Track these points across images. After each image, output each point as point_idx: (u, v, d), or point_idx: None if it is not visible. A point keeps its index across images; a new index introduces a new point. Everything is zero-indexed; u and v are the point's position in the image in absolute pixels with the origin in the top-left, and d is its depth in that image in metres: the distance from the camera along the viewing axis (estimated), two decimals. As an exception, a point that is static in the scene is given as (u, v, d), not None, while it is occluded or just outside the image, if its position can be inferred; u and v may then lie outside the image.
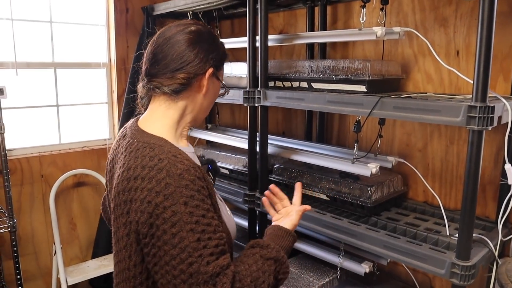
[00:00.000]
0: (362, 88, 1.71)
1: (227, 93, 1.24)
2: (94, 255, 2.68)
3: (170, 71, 1.05)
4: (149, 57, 1.08)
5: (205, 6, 2.37)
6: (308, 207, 1.34)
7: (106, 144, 2.74)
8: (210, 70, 1.09)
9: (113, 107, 2.80)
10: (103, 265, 2.49)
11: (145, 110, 1.15)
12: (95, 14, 2.71)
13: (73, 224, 2.65)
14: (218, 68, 1.13)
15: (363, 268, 1.86)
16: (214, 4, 2.31)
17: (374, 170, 1.75)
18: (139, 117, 1.16)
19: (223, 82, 1.18)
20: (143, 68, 1.10)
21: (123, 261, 1.01)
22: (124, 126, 1.19)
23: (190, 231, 0.90)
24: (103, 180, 2.58)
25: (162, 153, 0.97)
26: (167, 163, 0.95)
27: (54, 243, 2.37)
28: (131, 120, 1.18)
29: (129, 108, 2.68)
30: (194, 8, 2.46)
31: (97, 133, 2.78)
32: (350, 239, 1.72)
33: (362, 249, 1.69)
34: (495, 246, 1.57)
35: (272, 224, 1.28)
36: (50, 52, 2.56)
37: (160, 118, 1.09)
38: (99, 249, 2.67)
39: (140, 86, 1.11)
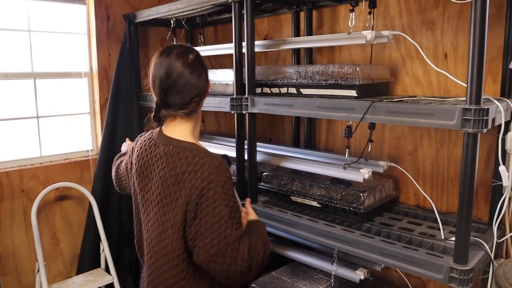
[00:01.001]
0: (353, 92, 1.69)
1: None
2: (79, 271, 2.59)
3: (188, 99, 1.33)
4: (165, 88, 1.32)
5: (189, 12, 2.33)
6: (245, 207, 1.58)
7: (89, 156, 2.66)
8: (208, 86, 1.40)
9: (96, 117, 2.73)
10: (89, 281, 2.40)
11: (157, 125, 1.42)
12: (76, 22, 2.64)
13: (56, 239, 2.55)
14: (205, 92, 1.41)
15: (358, 275, 1.83)
16: (198, 10, 2.26)
17: (366, 176, 1.73)
18: (161, 128, 1.42)
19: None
20: (159, 97, 1.33)
21: (166, 238, 1.29)
22: (147, 136, 1.45)
23: (225, 206, 1.26)
24: (86, 192, 2.50)
25: (199, 153, 1.30)
26: (207, 159, 1.28)
27: (37, 260, 2.27)
28: (155, 131, 1.44)
29: (112, 118, 2.61)
30: (178, 14, 2.41)
31: (80, 144, 2.70)
32: (345, 246, 1.69)
33: (357, 256, 1.66)
34: (490, 248, 1.56)
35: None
36: (29, 62, 2.47)
37: (183, 129, 1.39)
38: (84, 264, 2.58)
39: (163, 112, 1.35)
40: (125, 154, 1.66)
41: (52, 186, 2.42)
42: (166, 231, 1.29)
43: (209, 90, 1.43)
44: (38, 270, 2.26)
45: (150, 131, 1.47)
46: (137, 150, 1.44)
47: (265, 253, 1.35)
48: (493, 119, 1.37)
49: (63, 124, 2.65)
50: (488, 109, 1.29)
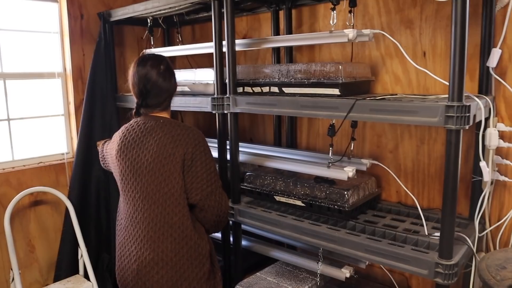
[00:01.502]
0: (336, 91, 1.70)
1: None
2: (57, 278, 2.50)
3: (163, 99, 1.71)
4: (143, 92, 1.67)
5: (166, 11, 2.29)
6: None
7: (64, 159, 2.57)
8: (176, 85, 1.76)
9: (70, 119, 2.64)
10: (67, 288, 2.33)
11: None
12: (48, 21, 2.55)
13: (31, 246, 2.46)
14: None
15: (344, 273, 1.84)
16: (176, 9, 2.23)
17: (351, 174, 1.74)
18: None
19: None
20: (139, 99, 1.69)
21: (169, 184, 1.58)
22: (131, 122, 1.73)
23: (211, 161, 1.65)
24: (62, 197, 2.41)
25: (185, 125, 1.66)
26: (193, 129, 1.66)
27: (12, 269, 2.18)
28: (139, 118, 1.72)
29: (88, 120, 2.54)
30: (155, 13, 2.36)
31: (54, 147, 2.61)
32: (331, 245, 1.69)
33: (343, 254, 1.67)
34: (472, 242, 1.59)
35: None
36: (-1, 63, 2.37)
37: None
38: (62, 271, 2.50)
39: (143, 110, 1.71)
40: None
41: (26, 191, 2.33)
42: (168, 178, 1.58)
43: (177, 87, 1.78)
44: (13, 279, 2.18)
45: (132, 120, 1.74)
46: (122, 133, 1.70)
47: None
48: (474, 116, 1.40)
49: (36, 127, 2.56)
50: (469, 106, 1.31)
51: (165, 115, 1.73)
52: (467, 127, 1.32)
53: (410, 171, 2.00)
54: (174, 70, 1.75)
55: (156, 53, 1.80)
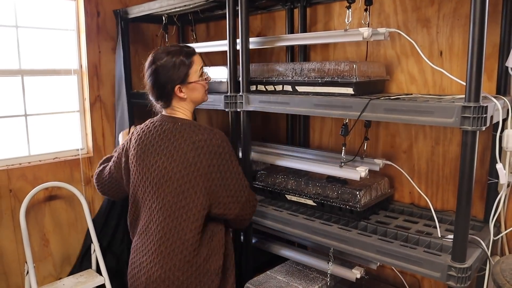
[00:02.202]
0: (349, 90, 1.68)
1: (208, 79, 1.67)
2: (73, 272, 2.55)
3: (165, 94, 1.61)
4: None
5: (181, 9, 2.29)
6: None
7: (79, 155, 2.60)
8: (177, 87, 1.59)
9: (86, 115, 2.67)
10: (80, 282, 2.35)
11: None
12: (65, 19, 2.58)
13: (45, 240, 2.50)
14: (184, 80, 1.58)
15: (354, 274, 1.82)
16: (191, 7, 2.23)
17: (363, 174, 1.72)
18: (162, 114, 1.67)
19: (199, 79, 1.61)
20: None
21: (192, 201, 1.50)
22: (146, 122, 1.67)
23: (237, 162, 1.59)
24: (76, 192, 2.45)
25: (205, 127, 1.56)
26: (214, 132, 1.55)
27: (26, 262, 2.21)
28: (156, 117, 1.66)
29: (120, 118, 2.59)
30: (170, 11, 2.37)
31: (69, 143, 2.64)
32: (341, 245, 1.68)
33: (354, 254, 1.65)
34: (487, 245, 1.56)
35: None
36: (17, 59, 2.41)
37: (183, 111, 1.65)
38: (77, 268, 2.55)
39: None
40: (109, 160, 1.83)
41: (41, 186, 2.36)
42: (188, 191, 1.50)
43: (195, 82, 1.65)
44: (27, 272, 2.21)
45: (148, 120, 1.68)
46: (137, 135, 1.65)
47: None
48: (491, 117, 1.37)
49: (52, 123, 2.59)
50: (487, 106, 1.29)
51: (181, 113, 1.63)
52: (483, 128, 1.29)
53: (424, 172, 1.97)
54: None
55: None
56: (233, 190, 1.55)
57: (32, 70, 2.47)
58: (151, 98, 1.65)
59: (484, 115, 1.28)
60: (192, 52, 1.60)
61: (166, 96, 1.59)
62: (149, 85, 1.61)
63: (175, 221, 1.51)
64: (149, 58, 1.61)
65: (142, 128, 1.66)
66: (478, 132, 1.30)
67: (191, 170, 1.50)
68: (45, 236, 2.49)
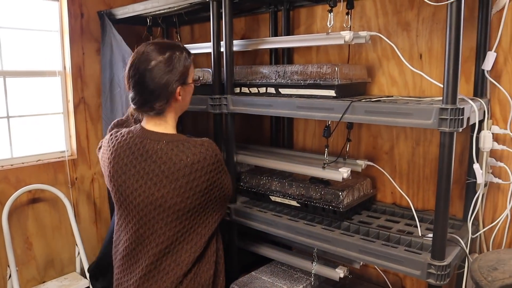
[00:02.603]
0: (331, 92, 1.71)
1: (199, 82, 1.56)
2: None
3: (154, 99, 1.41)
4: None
5: (165, 11, 2.30)
6: None
7: (63, 157, 2.59)
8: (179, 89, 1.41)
9: (69, 117, 2.66)
10: (64, 286, 2.34)
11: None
12: (48, 20, 2.56)
13: (28, 244, 2.48)
14: (185, 81, 1.42)
15: (338, 273, 1.85)
16: (176, 9, 2.24)
17: (345, 175, 1.75)
18: (141, 125, 1.46)
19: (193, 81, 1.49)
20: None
21: (189, 228, 1.39)
22: (125, 133, 1.45)
23: (228, 176, 1.50)
24: (60, 194, 2.43)
25: (195, 143, 1.38)
26: (207, 145, 1.38)
27: (9, 266, 2.20)
28: (135, 128, 1.45)
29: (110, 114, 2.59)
30: (154, 13, 2.37)
31: (53, 145, 2.63)
32: (325, 245, 1.71)
33: (337, 254, 1.68)
34: (465, 243, 1.60)
35: None
36: (-2, 60, 2.39)
37: (165, 123, 1.45)
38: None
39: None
40: (123, 122, 1.69)
41: (24, 189, 2.35)
42: (184, 217, 1.37)
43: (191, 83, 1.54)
44: (10, 276, 2.19)
45: (126, 129, 1.49)
46: (112, 146, 1.44)
47: None
48: (468, 118, 1.41)
49: (35, 125, 2.57)
50: (463, 108, 1.32)
51: (166, 125, 1.44)
52: (460, 129, 1.33)
53: (405, 173, 2.01)
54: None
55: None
56: (227, 196, 1.50)
57: (14, 72, 2.45)
58: (135, 103, 1.41)
59: (461, 117, 1.32)
60: (190, 52, 1.46)
61: (163, 100, 1.37)
62: (139, 87, 1.37)
63: (170, 246, 1.38)
64: (141, 52, 1.38)
65: (118, 139, 1.45)
66: (455, 133, 1.34)
67: (186, 197, 1.34)
68: (29, 239, 2.47)
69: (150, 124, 1.44)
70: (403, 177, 2.02)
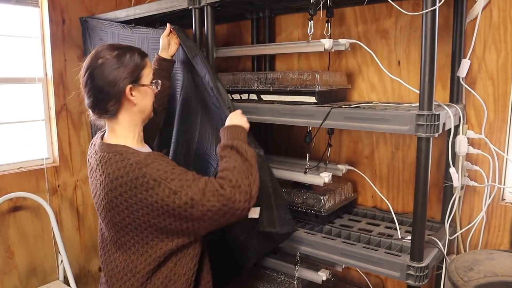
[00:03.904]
0: (312, 99, 1.74)
1: (158, 86, 1.43)
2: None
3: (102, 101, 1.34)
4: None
5: (147, 17, 2.30)
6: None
7: (44, 164, 2.57)
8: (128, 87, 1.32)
9: (51, 124, 2.64)
10: (47, 294, 2.33)
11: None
12: (29, 26, 2.55)
13: (10, 252, 2.44)
14: (136, 80, 1.34)
15: (321, 276, 1.88)
16: (157, 16, 2.25)
17: (327, 179, 1.78)
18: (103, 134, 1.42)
19: (151, 84, 1.40)
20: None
21: (125, 228, 1.30)
22: (93, 141, 1.44)
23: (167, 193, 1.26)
24: (43, 202, 2.41)
25: (122, 157, 1.27)
26: (132, 160, 1.26)
27: (-10, 275, 2.17)
28: (98, 136, 1.42)
29: None
30: (136, 20, 2.38)
31: (34, 152, 2.60)
32: (308, 248, 1.74)
33: (319, 257, 1.71)
34: (443, 245, 1.65)
35: None
36: (-22, 67, 2.36)
37: (115, 131, 1.39)
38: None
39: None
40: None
41: (5, 197, 2.32)
42: (120, 222, 1.30)
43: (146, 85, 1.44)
44: (-9, 285, 2.17)
45: (94, 137, 1.47)
46: (87, 158, 1.46)
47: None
48: (444, 124, 1.46)
49: (16, 132, 2.55)
50: (439, 114, 1.37)
51: (121, 134, 1.36)
52: (436, 135, 1.38)
53: (385, 177, 2.06)
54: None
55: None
56: (167, 221, 1.28)
57: (-6, 79, 2.43)
58: (88, 105, 1.35)
59: (437, 123, 1.37)
60: (145, 53, 1.40)
61: (114, 99, 1.31)
62: (89, 86, 1.31)
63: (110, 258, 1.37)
64: (93, 53, 1.34)
65: (92, 142, 1.44)
66: (431, 138, 1.38)
67: (115, 213, 1.29)
68: (10, 248, 2.44)
69: (107, 131, 1.40)
70: (383, 181, 2.07)
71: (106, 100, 1.31)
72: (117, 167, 1.25)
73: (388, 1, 1.58)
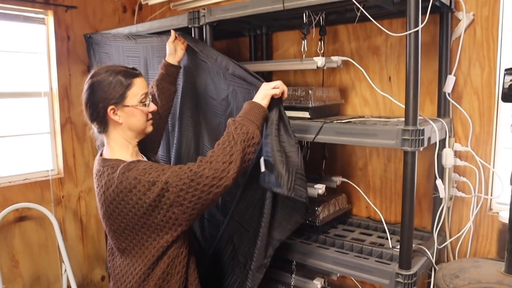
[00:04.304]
0: (306, 114, 1.83)
1: (147, 105, 1.48)
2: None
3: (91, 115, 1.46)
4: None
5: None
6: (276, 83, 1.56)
7: (49, 176, 2.65)
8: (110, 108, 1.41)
9: (56, 137, 2.73)
10: (50, 302, 2.39)
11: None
12: (35, 42, 2.65)
13: (15, 262, 2.52)
14: (118, 101, 1.41)
15: (315, 285, 1.94)
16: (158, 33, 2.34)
17: (320, 191, 1.85)
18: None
19: (138, 104, 1.44)
20: None
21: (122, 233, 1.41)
22: (96, 159, 1.52)
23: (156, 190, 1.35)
24: (47, 213, 2.49)
25: (114, 169, 1.36)
26: (122, 170, 1.35)
27: (-4, 284, 2.25)
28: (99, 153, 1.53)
29: None
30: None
31: (40, 164, 2.69)
32: (303, 257, 1.80)
33: (314, 266, 1.78)
34: (432, 254, 1.72)
35: None
36: (-14, 83, 2.46)
37: (109, 144, 1.50)
38: None
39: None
40: None
41: (11, 207, 2.40)
42: (123, 229, 1.41)
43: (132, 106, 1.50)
44: (-3, 294, 2.24)
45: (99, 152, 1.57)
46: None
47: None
48: (429, 138, 1.54)
49: (22, 144, 2.64)
50: (423, 129, 1.45)
51: (115, 146, 1.47)
52: (421, 148, 1.45)
53: (378, 188, 2.13)
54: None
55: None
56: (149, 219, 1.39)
57: (1, 93, 2.52)
58: (86, 119, 1.48)
59: (422, 137, 1.45)
60: (134, 74, 1.45)
61: (99, 117, 1.43)
62: (84, 103, 1.45)
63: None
64: (90, 73, 1.47)
65: (96, 158, 1.54)
66: (417, 152, 1.46)
67: (112, 220, 1.41)
68: (15, 257, 2.52)
69: (105, 146, 1.51)
70: (376, 192, 2.14)
71: (93, 118, 1.44)
72: (108, 179, 1.36)
73: (380, 20, 1.67)
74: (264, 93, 1.53)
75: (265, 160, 1.53)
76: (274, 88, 1.53)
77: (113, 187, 1.35)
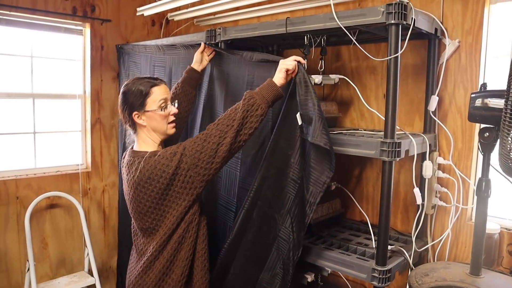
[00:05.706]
0: (304, 124, 2.05)
1: (164, 110, 1.73)
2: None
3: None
4: None
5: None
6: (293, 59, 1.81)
7: (78, 169, 2.96)
8: (134, 114, 1.71)
9: (86, 135, 3.04)
10: (73, 282, 2.67)
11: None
12: (72, 50, 2.97)
13: (44, 244, 2.82)
14: (140, 108, 1.70)
15: (306, 278, 2.15)
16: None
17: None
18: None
19: (156, 109, 1.71)
20: None
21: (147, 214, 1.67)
22: (123, 155, 1.83)
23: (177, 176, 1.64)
24: (75, 202, 2.79)
25: (141, 158, 1.65)
26: (144, 161, 1.64)
27: (28, 260, 2.54)
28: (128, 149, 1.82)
29: None
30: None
31: (71, 158, 3.00)
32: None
33: (302, 259, 1.98)
34: (410, 256, 1.91)
35: None
36: (30, 84, 2.79)
37: (138, 139, 1.80)
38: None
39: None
40: None
41: (44, 195, 2.71)
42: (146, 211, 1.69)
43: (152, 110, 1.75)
44: (28, 269, 2.53)
45: (127, 149, 1.86)
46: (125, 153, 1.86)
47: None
48: (407, 150, 1.74)
49: (56, 140, 2.96)
50: (400, 142, 1.65)
51: (143, 142, 1.75)
52: (397, 159, 1.66)
53: (371, 195, 2.33)
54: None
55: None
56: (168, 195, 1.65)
57: (42, 94, 2.85)
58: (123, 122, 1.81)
59: (398, 149, 1.65)
60: (153, 83, 1.71)
61: (129, 121, 1.74)
62: (118, 108, 1.79)
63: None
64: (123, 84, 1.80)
65: (123, 155, 1.83)
66: (393, 162, 1.67)
67: (140, 205, 1.66)
68: (45, 240, 2.82)
69: (135, 142, 1.79)
70: (369, 198, 2.34)
71: (126, 121, 1.77)
72: (137, 167, 1.65)
73: (377, 42, 1.88)
74: (279, 67, 1.76)
75: (300, 114, 1.78)
76: (288, 63, 1.76)
77: (141, 169, 1.62)
